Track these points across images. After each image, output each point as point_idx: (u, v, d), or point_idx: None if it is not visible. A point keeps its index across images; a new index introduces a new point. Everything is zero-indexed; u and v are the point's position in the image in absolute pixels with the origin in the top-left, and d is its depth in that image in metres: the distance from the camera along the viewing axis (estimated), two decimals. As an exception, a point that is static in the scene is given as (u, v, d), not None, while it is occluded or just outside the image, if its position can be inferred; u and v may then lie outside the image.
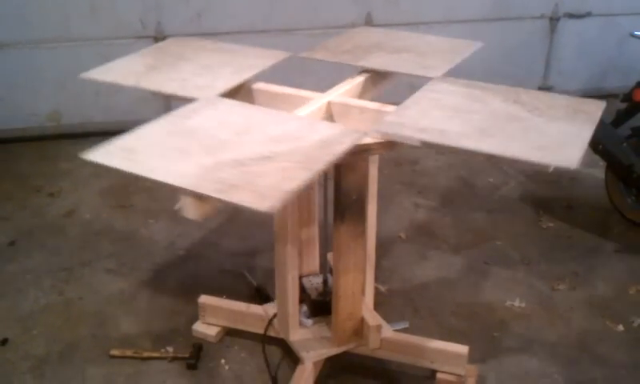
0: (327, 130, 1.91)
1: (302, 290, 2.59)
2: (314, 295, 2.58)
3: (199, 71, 2.41)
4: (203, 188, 1.56)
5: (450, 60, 2.52)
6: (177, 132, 1.87)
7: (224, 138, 1.83)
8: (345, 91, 2.36)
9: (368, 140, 1.94)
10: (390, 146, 1.99)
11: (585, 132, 1.89)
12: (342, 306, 2.38)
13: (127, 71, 2.42)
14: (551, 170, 1.73)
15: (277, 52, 2.61)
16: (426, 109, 2.05)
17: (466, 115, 2.00)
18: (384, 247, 3.39)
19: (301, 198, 2.42)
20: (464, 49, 2.66)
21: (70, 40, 4.54)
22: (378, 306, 2.79)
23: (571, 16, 5.40)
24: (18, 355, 2.70)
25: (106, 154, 1.72)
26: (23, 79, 4.60)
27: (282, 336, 2.58)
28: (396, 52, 2.64)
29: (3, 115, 4.67)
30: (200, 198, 1.57)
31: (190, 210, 1.60)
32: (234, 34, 4.65)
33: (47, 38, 4.54)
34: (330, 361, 2.54)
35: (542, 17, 5.36)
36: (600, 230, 3.66)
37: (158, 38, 4.60)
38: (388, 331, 2.55)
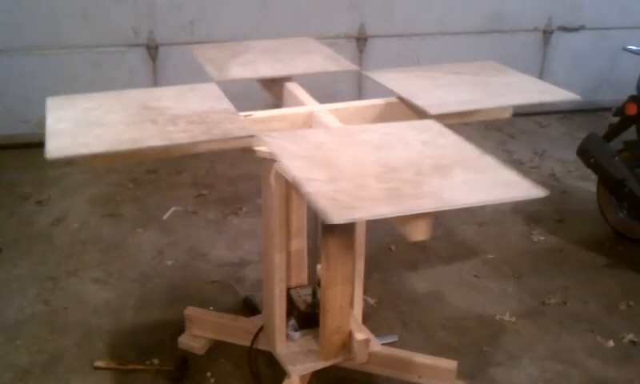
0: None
1: (290, 302, 2.56)
2: (302, 307, 2.55)
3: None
4: None
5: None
6: None
7: None
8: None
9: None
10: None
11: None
12: (330, 320, 2.35)
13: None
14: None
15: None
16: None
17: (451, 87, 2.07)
18: (374, 259, 3.37)
19: (290, 209, 2.40)
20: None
21: (61, 47, 4.52)
22: (367, 318, 2.77)
23: (564, 29, 5.42)
24: (0, 366, 2.65)
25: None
26: (13, 86, 4.58)
27: (269, 349, 2.55)
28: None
29: (-7, 122, 4.65)
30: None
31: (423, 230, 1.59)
32: (225, 43, 4.63)
33: (38, 44, 4.52)
34: (317, 374, 2.50)
35: (535, 30, 5.38)
36: (591, 244, 3.65)
37: (150, 46, 4.58)
38: (376, 345, 2.52)
